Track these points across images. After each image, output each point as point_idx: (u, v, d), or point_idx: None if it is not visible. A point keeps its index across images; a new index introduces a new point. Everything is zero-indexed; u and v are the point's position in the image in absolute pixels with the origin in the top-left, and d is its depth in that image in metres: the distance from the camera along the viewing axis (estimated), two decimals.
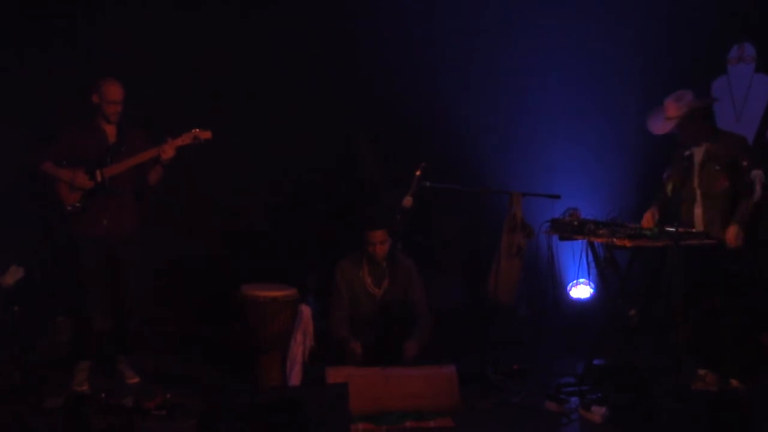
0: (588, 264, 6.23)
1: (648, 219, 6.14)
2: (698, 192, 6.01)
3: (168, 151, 6.01)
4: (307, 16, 7.37)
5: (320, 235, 7.36)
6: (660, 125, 6.03)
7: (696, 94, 6.00)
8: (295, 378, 5.89)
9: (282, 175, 7.48)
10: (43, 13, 6.99)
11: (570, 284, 7.73)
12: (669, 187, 6.21)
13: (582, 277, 7.62)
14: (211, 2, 7.33)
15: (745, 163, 5.76)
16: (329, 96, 7.46)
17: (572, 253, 6.38)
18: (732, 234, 5.79)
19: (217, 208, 7.36)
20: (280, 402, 4.70)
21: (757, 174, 5.69)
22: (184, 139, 6.09)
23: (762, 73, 7.16)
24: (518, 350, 6.94)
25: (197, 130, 6.12)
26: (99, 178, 5.99)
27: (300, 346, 5.93)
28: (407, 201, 6.12)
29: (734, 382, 5.83)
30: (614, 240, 5.76)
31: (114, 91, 5.99)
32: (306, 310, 5.99)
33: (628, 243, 5.71)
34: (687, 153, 6.03)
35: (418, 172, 6.15)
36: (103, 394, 5.64)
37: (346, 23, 7.36)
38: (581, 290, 7.76)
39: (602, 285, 6.51)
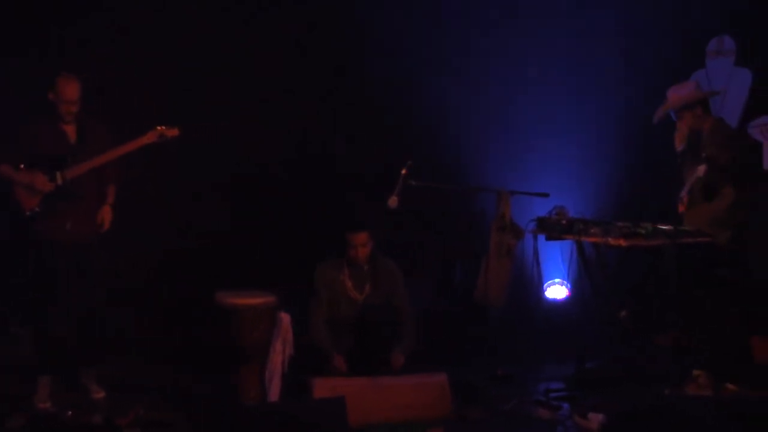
0: (578, 264, 6.04)
1: None
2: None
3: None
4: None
5: (292, 232, 7.10)
6: (659, 114, 5.87)
7: (698, 85, 5.86)
8: (274, 389, 5.54)
9: (248, 169, 7.18)
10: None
11: (545, 284, 7.54)
12: None
13: (558, 277, 7.44)
14: None
15: (704, 154, 5.64)
16: (308, 89, 7.22)
17: (561, 253, 6.19)
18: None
19: (180, 205, 7.01)
20: (273, 418, 4.40)
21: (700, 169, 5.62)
22: (150, 137, 5.72)
23: (741, 67, 7.06)
24: (496, 353, 6.59)
25: (162, 127, 5.75)
26: (59, 181, 5.59)
27: (279, 355, 5.57)
28: (392, 201, 5.87)
29: (730, 387, 5.64)
30: (609, 239, 5.56)
31: (69, 90, 5.57)
32: (285, 318, 5.63)
33: (623, 242, 5.51)
34: (681, 148, 5.86)
35: (403, 171, 5.90)
36: (70, 412, 5.26)
37: (332, 14, 7.12)
38: (556, 290, 7.57)
39: (590, 286, 6.30)
